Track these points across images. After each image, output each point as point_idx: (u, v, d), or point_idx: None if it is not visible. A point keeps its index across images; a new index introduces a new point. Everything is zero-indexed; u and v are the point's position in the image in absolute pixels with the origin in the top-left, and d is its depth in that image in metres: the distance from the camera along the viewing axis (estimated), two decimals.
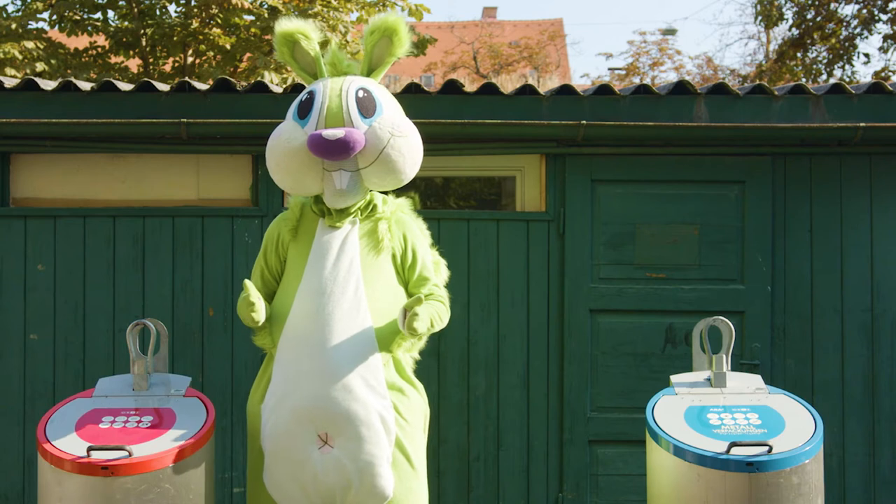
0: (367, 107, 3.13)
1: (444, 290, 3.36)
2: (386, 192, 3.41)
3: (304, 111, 3.16)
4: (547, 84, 18.06)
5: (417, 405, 3.22)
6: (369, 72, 3.28)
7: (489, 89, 4.33)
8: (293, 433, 3.06)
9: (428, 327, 3.11)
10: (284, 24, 3.26)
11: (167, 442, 2.93)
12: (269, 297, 3.32)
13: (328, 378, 3.02)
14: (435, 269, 3.40)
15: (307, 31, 3.25)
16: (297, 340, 3.10)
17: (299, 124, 3.15)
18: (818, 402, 4.33)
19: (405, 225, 3.30)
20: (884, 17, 14.19)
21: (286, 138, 3.15)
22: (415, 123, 4.20)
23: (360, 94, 3.15)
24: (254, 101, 4.23)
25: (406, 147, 3.17)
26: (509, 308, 4.39)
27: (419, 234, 3.36)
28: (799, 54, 15.29)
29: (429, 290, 3.28)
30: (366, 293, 3.13)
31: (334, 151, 3.03)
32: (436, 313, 3.22)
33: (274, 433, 3.09)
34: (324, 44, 3.33)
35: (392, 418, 3.09)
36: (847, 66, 14.69)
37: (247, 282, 3.08)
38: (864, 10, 14.26)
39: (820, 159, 4.44)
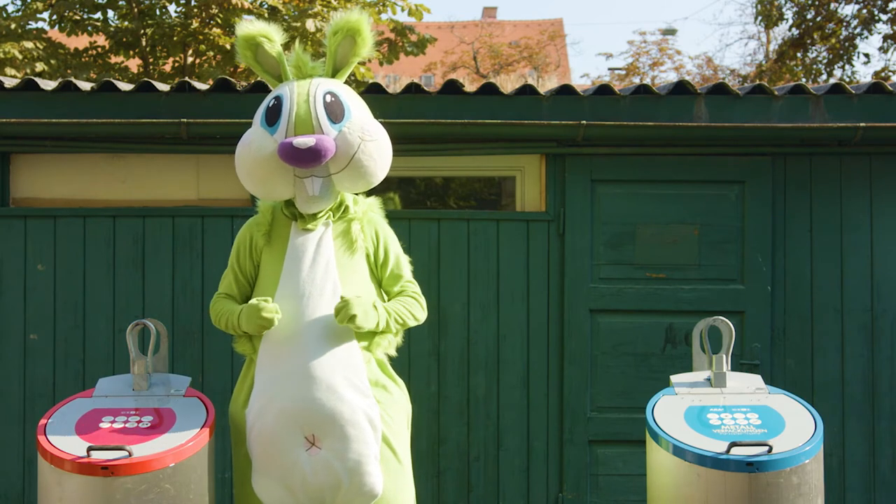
0: (335, 111, 3.12)
1: (417, 287, 3.36)
2: (356, 192, 3.41)
3: (273, 118, 3.14)
4: (547, 84, 18.09)
5: (400, 401, 3.24)
6: (334, 72, 3.27)
7: (489, 89, 4.33)
8: (280, 436, 3.05)
9: (379, 319, 3.09)
10: (245, 27, 3.22)
11: (167, 442, 2.93)
12: (244, 301, 3.30)
13: (312, 380, 3.02)
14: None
15: (269, 34, 3.22)
16: (279, 344, 3.10)
17: (268, 132, 3.13)
18: (818, 402, 4.33)
19: (376, 223, 3.32)
20: (884, 17, 14.19)
21: (256, 147, 3.13)
22: (415, 123, 4.24)
23: (328, 98, 3.13)
24: (254, 101, 4.20)
25: (376, 151, 3.17)
26: (509, 308, 4.38)
27: (390, 231, 3.37)
28: (799, 54, 15.28)
29: (401, 287, 3.30)
30: (343, 293, 3.13)
31: (306, 160, 3.04)
32: (402, 309, 3.22)
33: (261, 438, 3.08)
34: (287, 45, 3.31)
35: (377, 415, 3.10)
36: (847, 66, 14.69)
37: (268, 301, 3.05)
38: (864, 10, 14.25)
39: (820, 159, 4.44)
